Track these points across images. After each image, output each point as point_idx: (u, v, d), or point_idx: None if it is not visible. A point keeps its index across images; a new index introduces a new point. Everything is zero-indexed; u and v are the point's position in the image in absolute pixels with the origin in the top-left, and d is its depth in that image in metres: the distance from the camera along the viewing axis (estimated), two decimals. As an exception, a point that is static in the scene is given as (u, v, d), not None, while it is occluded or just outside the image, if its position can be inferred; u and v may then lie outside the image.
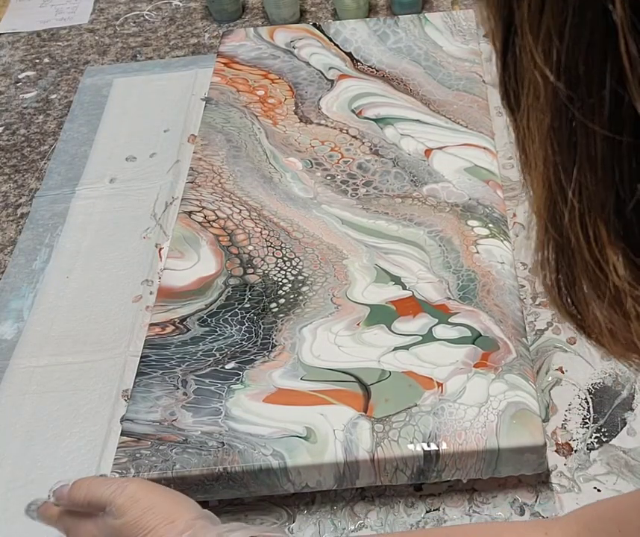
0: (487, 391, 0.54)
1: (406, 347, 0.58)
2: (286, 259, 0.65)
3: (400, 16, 0.88)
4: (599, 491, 0.56)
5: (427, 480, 0.55)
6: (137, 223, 0.79)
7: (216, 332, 0.60)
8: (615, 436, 0.59)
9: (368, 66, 0.83)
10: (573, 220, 0.22)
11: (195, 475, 0.53)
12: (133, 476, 0.52)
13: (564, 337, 0.65)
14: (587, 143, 0.20)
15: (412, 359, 0.57)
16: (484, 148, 0.72)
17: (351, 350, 0.58)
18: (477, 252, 0.64)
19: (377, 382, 0.56)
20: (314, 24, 0.89)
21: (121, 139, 0.89)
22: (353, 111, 0.77)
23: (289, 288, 0.63)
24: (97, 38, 1.07)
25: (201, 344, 0.60)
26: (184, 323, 0.61)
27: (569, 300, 0.24)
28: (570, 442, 0.59)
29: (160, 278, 0.73)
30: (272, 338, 0.59)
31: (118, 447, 0.54)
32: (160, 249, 0.76)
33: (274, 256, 0.65)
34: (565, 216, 0.22)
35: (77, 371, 0.67)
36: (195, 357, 0.59)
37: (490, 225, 0.65)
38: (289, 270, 0.64)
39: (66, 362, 0.68)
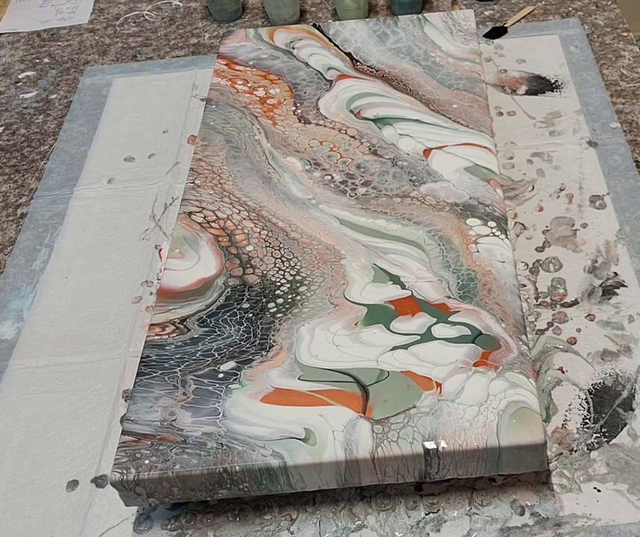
0: (487, 390, 0.54)
1: (405, 347, 0.58)
2: (284, 259, 0.65)
3: (399, 16, 0.88)
4: (599, 491, 0.56)
5: (428, 480, 0.55)
6: (136, 224, 0.79)
7: (215, 332, 0.60)
8: (615, 436, 0.59)
9: (368, 66, 0.83)
10: None
11: (195, 475, 0.53)
12: (134, 477, 0.52)
13: (564, 337, 0.65)
14: None
15: (411, 359, 0.57)
16: (484, 148, 0.72)
17: (349, 349, 0.58)
18: (477, 251, 0.63)
19: (375, 382, 0.56)
20: (314, 25, 0.89)
21: (120, 139, 0.89)
22: (351, 111, 0.78)
23: (287, 288, 0.63)
24: (97, 38, 1.07)
25: (200, 344, 0.60)
26: (184, 323, 0.61)
27: None
28: (570, 442, 0.59)
29: (158, 279, 0.73)
30: (270, 338, 0.59)
31: (118, 447, 0.54)
32: (160, 250, 0.76)
33: (272, 256, 0.65)
34: None
35: (77, 372, 0.67)
36: (194, 357, 0.59)
37: (490, 224, 0.65)
38: (287, 270, 0.64)
39: (65, 363, 0.68)
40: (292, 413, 0.54)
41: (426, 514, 0.56)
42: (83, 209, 0.82)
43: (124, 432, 0.55)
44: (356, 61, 0.83)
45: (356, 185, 0.70)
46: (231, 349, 0.59)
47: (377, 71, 0.82)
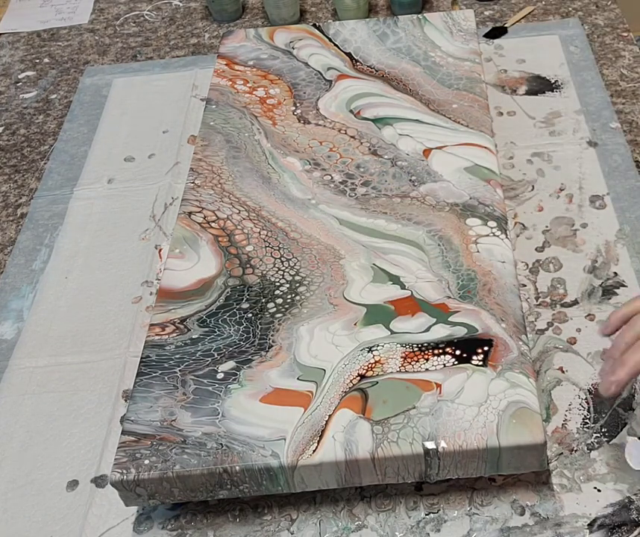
0: (486, 390, 0.54)
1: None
2: (283, 259, 0.65)
3: (399, 16, 0.88)
4: (599, 491, 0.56)
5: (428, 480, 0.55)
6: (136, 224, 0.79)
7: (215, 332, 0.60)
8: (615, 436, 0.59)
9: (368, 66, 0.83)
10: None
11: (195, 475, 0.53)
12: (134, 477, 0.52)
13: (564, 337, 0.65)
14: None
15: (411, 359, 0.57)
16: (484, 148, 0.72)
17: (349, 350, 0.58)
18: (477, 251, 0.63)
19: (374, 383, 0.55)
20: (314, 25, 0.89)
21: (120, 139, 0.89)
22: (351, 111, 0.77)
23: (287, 288, 0.63)
24: (97, 38, 1.07)
25: (199, 344, 0.60)
26: (184, 323, 0.61)
27: None
28: (570, 442, 0.59)
29: (157, 279, 0.73)
30: (269, 338, 0.59)
31: (118, 447, 0.54)
32: (160, 250, 0.76)
33: (272, 256, 0.65)
34: None
35: (77, 372, 0.67)
36: (193, 357, 0.59)
37: (490, 224, 0.65)
38: (287, 270, 0.64)
39: (65, 363, 0.68)
40: (291, 413, 0.54)
41: (426, 515, 0.56)
42: (83, 209, 0.82)
43: (124, 432, 0.55)
44: (356, 61, 0.83)
45: (356, 185, 0.70)
46: (231, 349, 0.59)
47: (376, 71, 0.82)
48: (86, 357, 0.68)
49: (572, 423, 0.60)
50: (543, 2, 1.02)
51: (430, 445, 0.52)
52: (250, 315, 0.61)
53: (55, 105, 0.97)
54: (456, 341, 0.57)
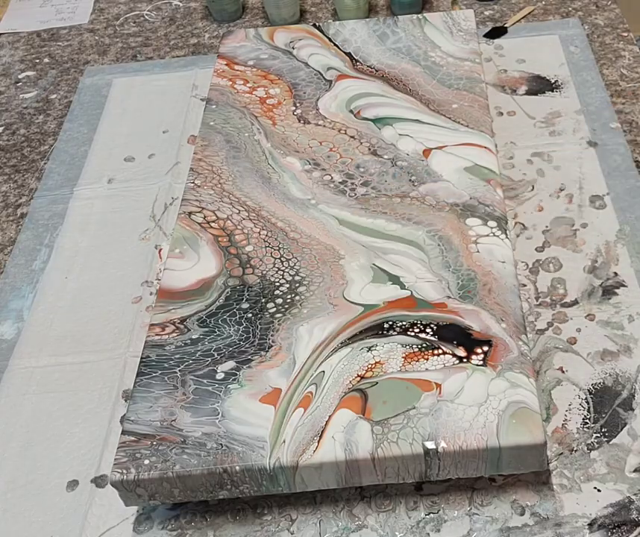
0: (486, 390, 0.54)
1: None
2: (283, 259, 0.65)
3: (399, 16, 0.88)
4: (599, 491, 0.56)
5: (428, 480, 0.55)
6: (136, 224, 0.79)
7: (215, 332, 0.60)
8: (615, 436, 0.59)
9: (368, 66, 0.83)
10: None
11: (195, 476, 0.53)
12: (134, 477, 0.52)
13: (564, 337, 0.65)
14: None
15: (411, 359, 0.57)
16: (484, 148, 0.72)
17: (348, 350, 0.58)
18: (478, 251, 0.63)
19: (374, 384, 0.55)
20: (314, 25, 0.89)
21: (120, 139, 0.89)
22: (351, 111, 0.78)
23: (287, 288, 0.63)
24: (97, 38, 1.07)
25: (199, 344, 0.60)
26: (184, 323, 0.61)
27: None
28: (570, 442, 0.59)
29: (157, 279, 0.73)
30: (269, 339, 0.59)
31: (118, 447, 0.54)
32: (160, 250, 0.76)
33: (272, 256, 0.65)
34: None
35: (77, 372, 0.68)
36: (193, 357, 0.59)
37: (490, 224, 0.65)
38: (287, 270, 0.64)
39: (65, 363, 0.68)
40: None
41: (426, 515, 0.56)
42: (83, 209, 0.82)
43: (124, 432, 0.55)
44: (356, 61, 0.83)
45: (356, 185, 0.70)
46: (230, 349, 0.59)
47: (376, 71, 0.82)
48: (86, 357, 0.68)
49: (572, 423, 0.60)
50: (543, 2, 1.02)
51: (430, 445, 0.52)
52: (250, 315, 0.61)
53: (55, 105, 0.97)
54: (455, 340, 0.57)
